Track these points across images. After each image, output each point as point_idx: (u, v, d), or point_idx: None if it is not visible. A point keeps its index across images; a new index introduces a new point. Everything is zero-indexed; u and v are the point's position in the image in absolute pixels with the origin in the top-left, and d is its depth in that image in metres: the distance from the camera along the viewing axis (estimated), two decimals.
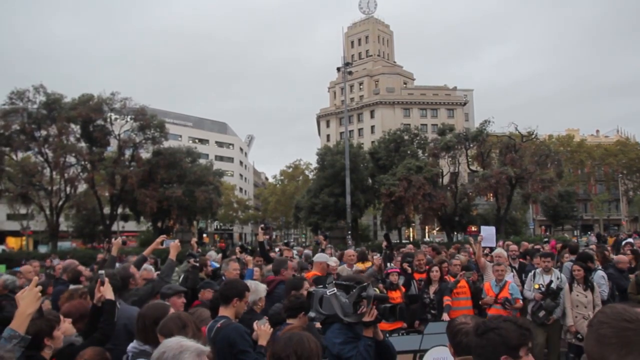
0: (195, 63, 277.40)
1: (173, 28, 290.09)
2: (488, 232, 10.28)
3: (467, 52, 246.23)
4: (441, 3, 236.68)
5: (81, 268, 7.89)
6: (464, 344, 2.72)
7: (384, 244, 10.09)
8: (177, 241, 6.76)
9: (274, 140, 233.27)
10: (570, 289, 7.89)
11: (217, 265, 9.78)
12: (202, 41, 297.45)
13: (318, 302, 3.59)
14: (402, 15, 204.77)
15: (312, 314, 3.60)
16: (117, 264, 8.20)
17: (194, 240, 10.37)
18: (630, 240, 13.93)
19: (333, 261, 8.72)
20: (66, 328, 3.79)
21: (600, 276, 8.38)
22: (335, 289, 3.60)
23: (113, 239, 7.11)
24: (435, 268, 8.37)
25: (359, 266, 9.90)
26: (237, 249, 12.23)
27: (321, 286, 3.85)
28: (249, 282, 5.10)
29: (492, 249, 10.22)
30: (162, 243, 7.21)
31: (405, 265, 9.04)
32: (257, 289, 5.05)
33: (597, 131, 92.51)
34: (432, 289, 8.19)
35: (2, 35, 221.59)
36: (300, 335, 2.93)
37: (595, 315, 1.58)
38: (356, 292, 3.50)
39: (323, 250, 10.31)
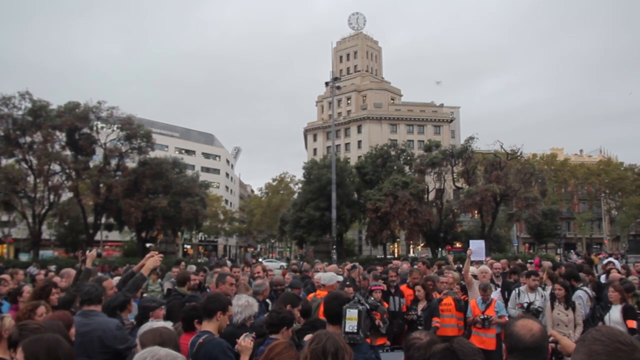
0: (208, 83, 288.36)
1: (183, 50, 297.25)
2: (477, 246, 10.18)
3: (461, 82, 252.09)
4: (437, 35, 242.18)
5: (57, 279, 7.40)
6: (414, 359, 2.72)
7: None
8: (157, 255, 5.99)
9: (274, 156, 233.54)
10: (552, 308, 7.88)
11: None
12: (218, 63, 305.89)
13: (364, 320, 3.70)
14: (407, 44, 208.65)
15: (362, 334, 3.62)
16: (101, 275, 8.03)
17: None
18: (611, 259, 14.07)
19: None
20: None
21: (578, 296, 8.37)
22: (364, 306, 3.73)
23: (87, 251, 6.72)
24: (418, 287, 8.36)
25: None
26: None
27: (354, 301, 3.89)
28: (244, 297, 5.06)
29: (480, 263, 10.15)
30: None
31: (381, 282, 9.09)
32: (253, 304, 5.01)
33: (581, 151, 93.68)
34: (421, 306, 8.17)
35: (25, 57, 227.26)
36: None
37: (589, 331, 1.63)
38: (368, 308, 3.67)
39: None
